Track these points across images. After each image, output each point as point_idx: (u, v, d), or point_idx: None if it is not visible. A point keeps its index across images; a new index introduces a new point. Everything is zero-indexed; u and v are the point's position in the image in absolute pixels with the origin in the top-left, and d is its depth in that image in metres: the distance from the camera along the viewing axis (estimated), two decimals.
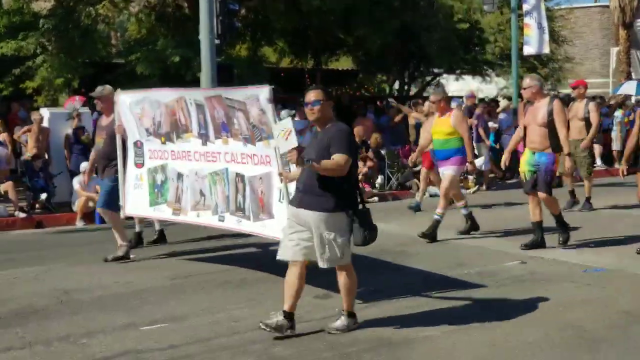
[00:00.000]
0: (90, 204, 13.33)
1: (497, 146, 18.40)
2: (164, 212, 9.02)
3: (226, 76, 16.84)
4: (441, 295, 7.11)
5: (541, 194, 9.01)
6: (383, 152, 17.10)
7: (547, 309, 6.52)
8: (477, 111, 17.56)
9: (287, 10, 20.60)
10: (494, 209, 13.32)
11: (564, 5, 30.20)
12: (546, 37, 20.55)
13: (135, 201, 9.25)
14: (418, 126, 18.37)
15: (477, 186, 16.71)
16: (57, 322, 6.63)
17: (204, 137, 8.10)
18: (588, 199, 12.78)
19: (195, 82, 17.13)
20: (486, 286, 7.43)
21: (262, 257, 9.03)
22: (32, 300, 7.43)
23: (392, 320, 6.33)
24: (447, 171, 10.20)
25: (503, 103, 19.69)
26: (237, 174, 7.71)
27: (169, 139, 8.69)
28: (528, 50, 20.79)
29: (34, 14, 21.70)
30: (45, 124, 14.93)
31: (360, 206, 5.94)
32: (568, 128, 9.41)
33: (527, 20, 20.36)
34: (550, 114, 8.88)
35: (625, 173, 9.12)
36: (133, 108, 9.02)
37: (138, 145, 9.17)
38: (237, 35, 21.19)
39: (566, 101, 15.86)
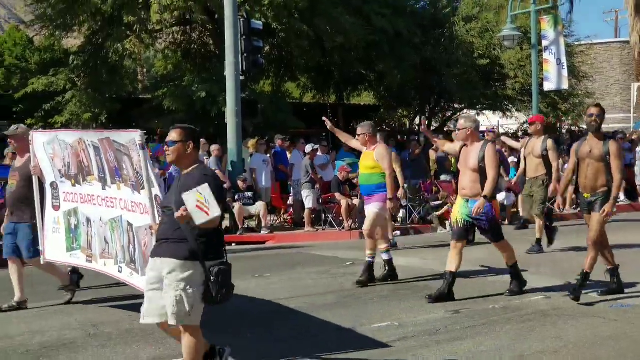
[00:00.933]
0: None
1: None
2: (79, 259, 8.41)
3: (251, 111, 17.03)
4: (465, 330, 7.11)
5: (495, 244, 8.74)
6: (405, 186, 17.14)
7: (573, 344, 6.50)
8: (497, 146, 17.59)
9: (310, 47, 20.85)
10: (516, 243, 13.28)
11: (584, 40, 30.11)
12: (565, 72, 20.56)
13: (54, 246, 8.70)
14: (440, 160, 18.49)
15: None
16: (85, 355, 6.72)
17: (104, 181, 7.59)
18: (538, 241, 11.92)
19: (220, 117, 17.35)
20: (511, 321, 7.43)
21: (280, 292, 9.09)
22: (61, 333, 7.53)
23: (415, 358, 6.35)
24: (370, 208, 9.66)
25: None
26: (129, 223, 7.19)
27: (77, 181, 8.19)
28: (548, 85, 20.83)
29: (64, 51, 22.19)
30: None
31: (222, 263, 5.33)
32: (500, 172, 9.03)
33: (546, 55, 20.42)
34: (482, 159, 8.35)
35: (562, 207, 8.93)
36: (46, 148, 8.54)
37: (54, 186, 8.65)
38: (261, 71, 21.43)
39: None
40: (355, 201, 15.99)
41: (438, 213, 16.38)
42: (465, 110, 29.40)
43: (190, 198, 5.02)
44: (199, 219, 5.03)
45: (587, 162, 8.17)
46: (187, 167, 5.53)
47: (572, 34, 28.00)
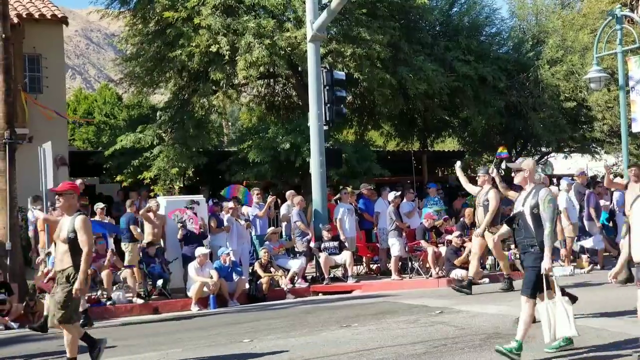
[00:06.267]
0: (205, 289, 13.72)
1: (611, 224, 17.96)
2: None
3: (335, 160, 17.10)
4: None
5: None
6: None
7: None
8: (588, 191, 17.27)
9: (393, 95, 20.92)
10: (611, 289, 12.90)
11: None
12: None
13: None
14: None
15: (591, 265, 16.29)
16: None
17: None
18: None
19: (305, 167, 17.52)
20: None
21: None
22: None
23: None
24: None
25: (618, 181, 19.20)
26: None
27: None
28: (636, 127, 20.23)
29: (151, 107, 22.80)
30: (161, 211, 15.43)
31: None
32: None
33: (633, 96, 19.90)
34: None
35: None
36: None
37: None
38: (344, 120, 21.57)
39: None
40: (442, 248, 15.84)
41: None
42: (552, 154, 28.96)
43: None
44: None
45: None
46: None
47: None
